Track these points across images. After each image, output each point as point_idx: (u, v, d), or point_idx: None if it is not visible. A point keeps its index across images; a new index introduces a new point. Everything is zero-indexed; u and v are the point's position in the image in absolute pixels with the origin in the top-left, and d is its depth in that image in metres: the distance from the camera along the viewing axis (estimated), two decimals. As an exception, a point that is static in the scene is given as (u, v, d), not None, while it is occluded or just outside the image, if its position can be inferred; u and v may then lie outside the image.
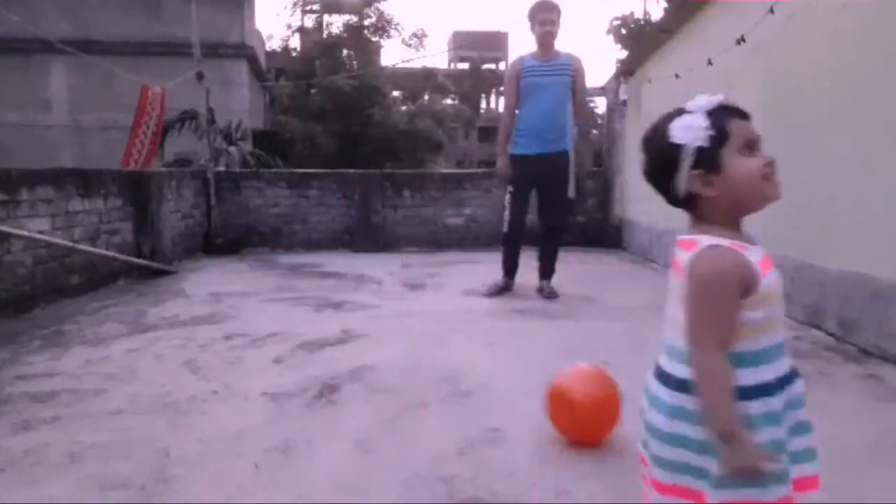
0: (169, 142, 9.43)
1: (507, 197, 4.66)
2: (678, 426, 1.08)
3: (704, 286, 1.06)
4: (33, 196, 4.27)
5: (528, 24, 4.67)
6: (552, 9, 4.59)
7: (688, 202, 1.13)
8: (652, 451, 1.12)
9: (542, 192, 4.68)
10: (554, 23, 4.58)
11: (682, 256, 1.10)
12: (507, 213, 4.67)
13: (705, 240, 1.08)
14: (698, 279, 1.06)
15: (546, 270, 4.77)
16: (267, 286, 5.13)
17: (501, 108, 5.25)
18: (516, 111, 4.63)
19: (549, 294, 4.63)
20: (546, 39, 4.58)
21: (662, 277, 5.54)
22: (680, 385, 1.09)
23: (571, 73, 4.58)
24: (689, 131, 1.09)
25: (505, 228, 4.71)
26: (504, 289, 4.76)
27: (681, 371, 1.09)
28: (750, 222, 1.12)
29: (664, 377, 1.13)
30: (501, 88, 45.41)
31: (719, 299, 1.06)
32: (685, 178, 1.09)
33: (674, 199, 1.14)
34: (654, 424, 1.11)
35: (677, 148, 1.09)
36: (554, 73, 4.56)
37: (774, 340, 1.13)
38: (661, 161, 1.13)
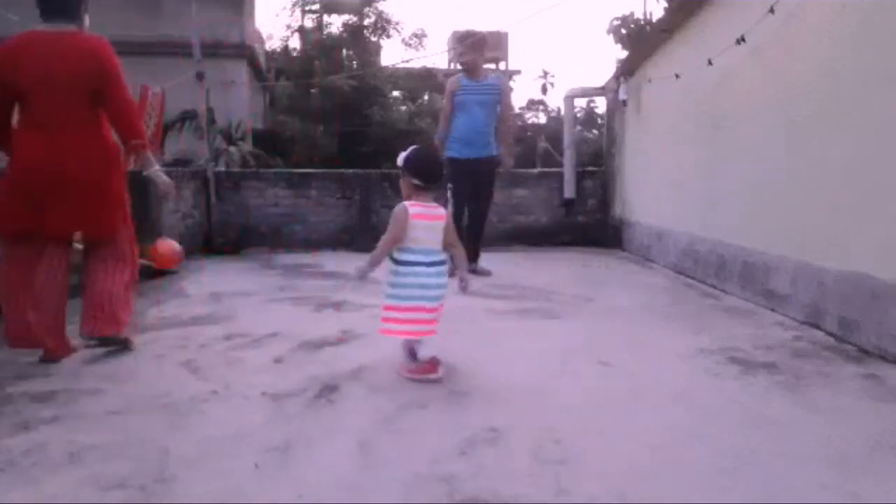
0: (169, 142, 9.43)
1: (448, 193, 5.56)
2: (444, 279, 2.75)
3: (392, 216, 2.69)
4: (33, 196, 4.25)
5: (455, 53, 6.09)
6: (461, 41, 5.88)
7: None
8: (439, 295, 2.72)
9: (473, 188, 5.65)
10: (464, 53, 5.78)
11: (428, 208, 2.76)
12: (450, 206, 5.48)
13: (407, 203, 2.73)
14: (393, 214, 2.71)
15: (475, 253, 5.66)
16: (267, 286, 5.13)
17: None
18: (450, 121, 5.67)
19: (482, 272, 5.57)
20: (469, 65, 5.71)
21: (662, 277, 5.55)
22: (441, 263, 2.72)
23: (498, 92, 5.65)
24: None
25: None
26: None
27: (440, 258, 2.73)
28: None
29: (438, 263, 2.72)
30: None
31: (392, 223, 2.68)
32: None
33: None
34: (444, 284, 2.73)
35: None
36: (483, 92, 5.60)
37: (419, 249, 2.69)
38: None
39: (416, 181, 2.75)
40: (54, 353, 3.01)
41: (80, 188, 3.01)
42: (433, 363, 2.70)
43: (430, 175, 2.78)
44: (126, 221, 3.27)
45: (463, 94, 5.62)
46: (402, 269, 2.69)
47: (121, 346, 3.15)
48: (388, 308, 2.73)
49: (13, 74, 2.93)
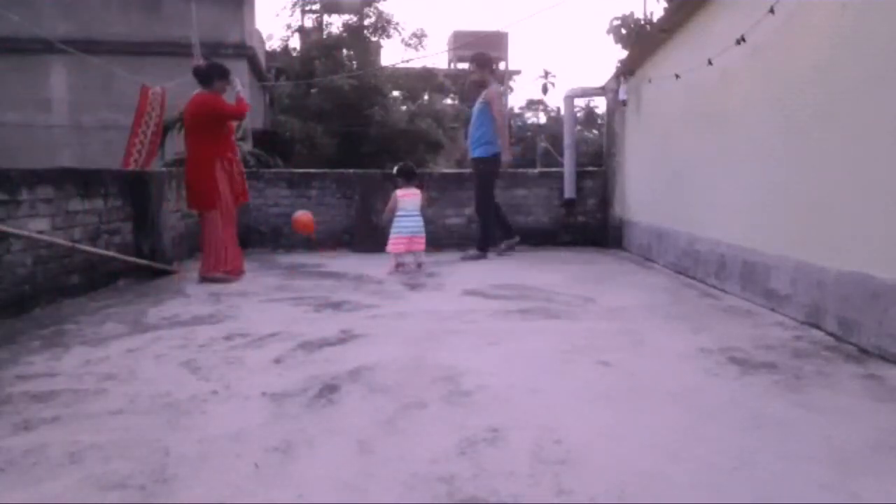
0: (169, 141, 9.44)
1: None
2: (419, 224, 6.12)
3: (392, 198, 6.12)
4: (33, 196, 4.27)
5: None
6: (470, 61, 7.70)
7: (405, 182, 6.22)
8: (415, 231, 6.03)
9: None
10: (472, 72, 7.33)
11: (411, 191, 6.14)
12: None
13: (400, 189, 6.14)
14: (391, 197, 6.18)
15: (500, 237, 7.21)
16: (267, 286, 5.13)
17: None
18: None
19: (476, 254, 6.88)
20: (473, 84, 7.41)
21: (662, 277, 5.55)
22: (416, 216, 6.06)
23: (484, 101, 6.83)
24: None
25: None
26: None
27: (416, 213, 6.09)
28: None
29: (414, 216, 6.06)
30: (501, 88, 45.47)
31: (391, 201, 6.09)
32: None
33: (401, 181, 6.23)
34: (419, 225, 6.06)
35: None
36: (475, 103, 7.03)
37: (405, 211, 5.98)
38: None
39: (400, 179, 6.17)
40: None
41: None
42: (409, 264, 6.02)
43: (406, 175, 6.19)
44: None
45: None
46: (397, 219, 5.97)
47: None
48: (392, 238, 5.96)
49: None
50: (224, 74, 5.49)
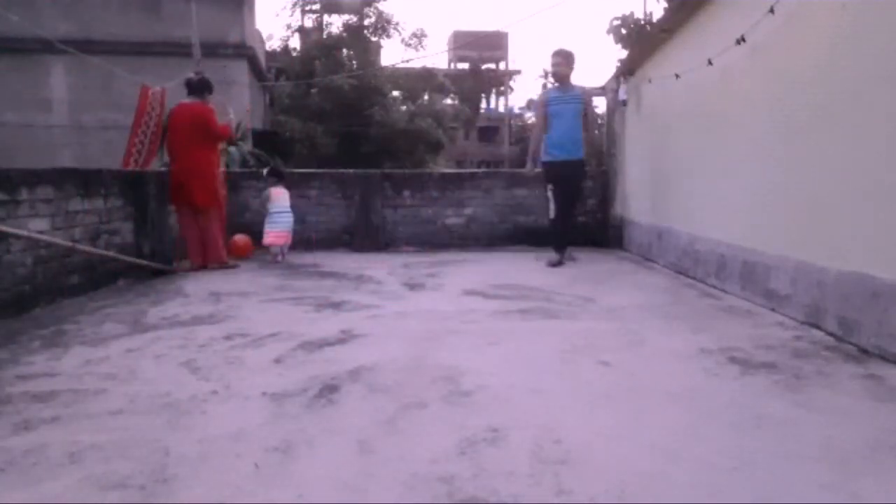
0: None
1: (549, 194, 6.41)
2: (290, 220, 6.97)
3: (268, 195, 6.87)
4: (33, 196, 4.27)
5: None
6: (557, 54, 6.46)
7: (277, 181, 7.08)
8: (287, 227, 6.84)
9: (566, 187, 6.44)
10: (560, 64, 6.41)
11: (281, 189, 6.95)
12: (552, 205, 6.40)
13: (272, 188, 6.91)
14: (269, 193, 6.91)
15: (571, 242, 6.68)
16: (267, 286, 5.13)
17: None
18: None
19: (571, 258, 6.52)
20: (556, 76, 6.53)
21: (662, 277, 5.55)
22: (287, 212, 6.96)
23: (582, 101, 6.37)
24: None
25: (552, 215, 6.46)
26: (559, 262, 6.33)
27: (287, 210, 6.95)
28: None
29: (286, 213, 6.87)
30: (502, 88, 45.58)
31: (267, 198, 6.86)
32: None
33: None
34: (289, 221, 6.88)
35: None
36: (569, 101, 6.34)
37: (280, 207, 6.83)
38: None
39: (272, 178, 7.01)
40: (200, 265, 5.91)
41: None
42: (277, 256, 6.70)
43: (277, 175, 7.08)
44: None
45: (553, 105, 6.42)
46: (273, 215, 6.73)
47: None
48: (267, 232, 6.69)
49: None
50: (212, 91, 6.24)
